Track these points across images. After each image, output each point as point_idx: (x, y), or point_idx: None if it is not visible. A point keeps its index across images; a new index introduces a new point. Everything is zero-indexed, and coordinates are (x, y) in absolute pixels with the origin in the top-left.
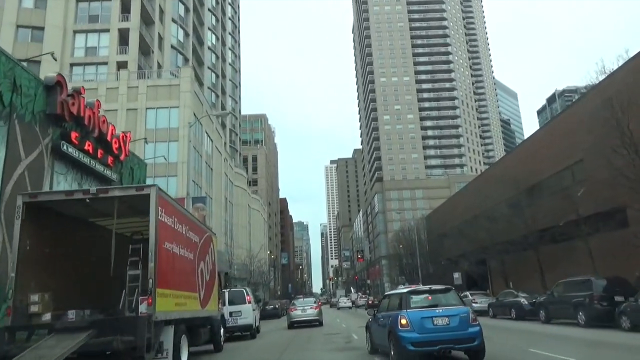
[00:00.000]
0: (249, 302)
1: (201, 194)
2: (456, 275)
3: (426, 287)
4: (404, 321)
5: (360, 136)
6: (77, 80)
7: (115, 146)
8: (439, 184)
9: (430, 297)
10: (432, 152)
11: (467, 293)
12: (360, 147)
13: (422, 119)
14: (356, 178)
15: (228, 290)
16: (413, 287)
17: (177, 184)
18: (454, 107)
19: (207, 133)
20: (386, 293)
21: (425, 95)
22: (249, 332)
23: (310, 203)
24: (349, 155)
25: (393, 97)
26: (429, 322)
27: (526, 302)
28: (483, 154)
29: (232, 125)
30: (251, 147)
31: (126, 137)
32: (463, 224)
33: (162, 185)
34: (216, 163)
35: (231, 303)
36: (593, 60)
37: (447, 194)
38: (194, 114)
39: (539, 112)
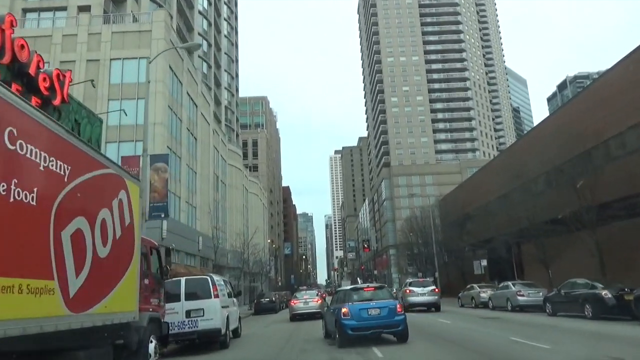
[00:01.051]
0: (216, 296)
1: (180, 163)
2: (484, 262)
3: (365, 285)
4: (345, 311)
5: (366, 121)
6: (30, 28)
7: (44, 85)
8: (450, 169)
9: (367, 293)
10: (442, 135)
11: (509, 283)
12: (365, 134)
13: (431, 101)
14: (361, 167)
15: (185, 279)
16: (356, 285)
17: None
18: (466, 89)
19: (189, 95)
20: (338, 289)
21: (435, 76)
22: (217, 340)
23: (314, 198)
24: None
25: (401, 77)
26: (364, 312)
27: (609, 295)
28: (496, 138)
29: (227, 102)
30: (251, 131)
31: (64, 76)
32: (490, 204)
33: (129, 151)
34: (202, 133)
35: (190, 297)
36: (593, 56)
37: (458, 180)
38: (170, 67)
39: (549, 100)
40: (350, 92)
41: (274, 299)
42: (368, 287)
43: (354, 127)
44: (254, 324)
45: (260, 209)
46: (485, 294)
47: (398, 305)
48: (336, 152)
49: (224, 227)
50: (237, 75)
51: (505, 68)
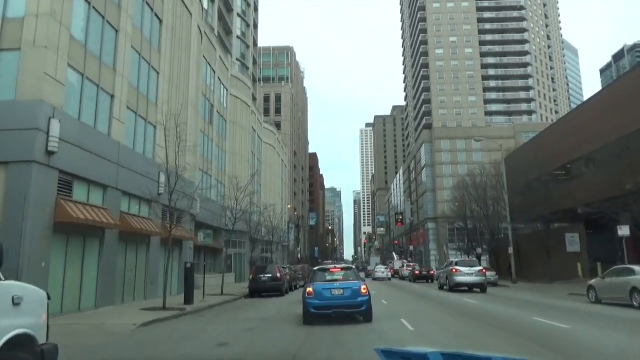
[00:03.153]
0: None
1: (116, 37)
2: (624, 230)
3: (331, 265)
4: (309, 290)
5: (404, 81)
6: None
7: None
8: (502, 133)
9: (334, 274)
10: (493, 95)
11: None
12: (400, 103)
13: (482, 54)
14: (394, 137)
15: None
16: (323, 266)
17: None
18: (523, 41)
19: None
20: (313, 269)
21: (488, 25)
22: None
23: (342, 175)
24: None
25: (448, 26)
26: (327, 292)
27: None
28: (554, 101)
29: (241, 33)
30: (274, 85)
31: None
32: (609, 147)
33: None
34: (176, 21)
35: None
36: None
37: (511, 145)
38: None
39: (602, 71)
40: (384, 63)
41: (279, 274)
42: (335, 267)
43: (385, 102)
44: (216, 327)
45: (277, 165)
46: None
47: (362, 287)
48: (367, 124)
49: (221, 177)
50: (255, 6)
51: (560, 29)
